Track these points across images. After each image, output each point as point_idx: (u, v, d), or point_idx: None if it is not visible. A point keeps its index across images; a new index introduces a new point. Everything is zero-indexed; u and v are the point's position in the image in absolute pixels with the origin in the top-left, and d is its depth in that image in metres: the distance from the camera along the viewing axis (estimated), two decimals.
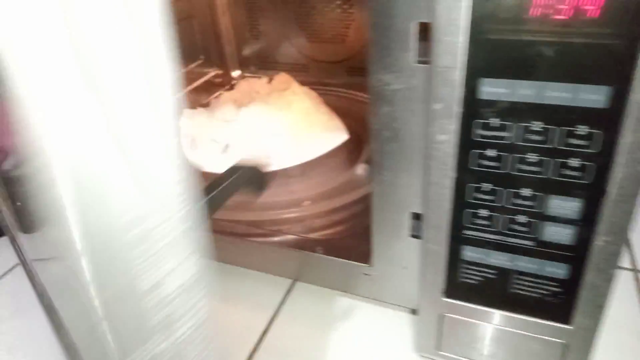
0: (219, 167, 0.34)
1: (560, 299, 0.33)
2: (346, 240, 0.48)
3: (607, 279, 0.32)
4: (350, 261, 0.46)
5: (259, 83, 0.66)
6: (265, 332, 0.48)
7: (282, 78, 0.65)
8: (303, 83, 0.64)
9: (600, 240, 0.30)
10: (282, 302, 0.51)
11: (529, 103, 0.28)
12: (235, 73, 0.81)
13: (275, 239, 0.50)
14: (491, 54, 0.28)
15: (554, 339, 0.35)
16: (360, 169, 0.54)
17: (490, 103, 0.29)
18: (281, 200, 0.51)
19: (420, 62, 0.31)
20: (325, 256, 0.47)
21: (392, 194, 0.38)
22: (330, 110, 0.59)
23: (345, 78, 0.71)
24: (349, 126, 0.58)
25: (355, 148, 0.58)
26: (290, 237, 0.50)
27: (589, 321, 0.33)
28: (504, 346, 0.37)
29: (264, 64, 0.77)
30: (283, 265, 0.51)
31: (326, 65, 0.72)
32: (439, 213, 0.34)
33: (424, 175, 0.34)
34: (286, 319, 0.49)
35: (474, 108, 0.30)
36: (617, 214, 0.29)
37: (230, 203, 0.32)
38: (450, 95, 0.30)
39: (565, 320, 0.34)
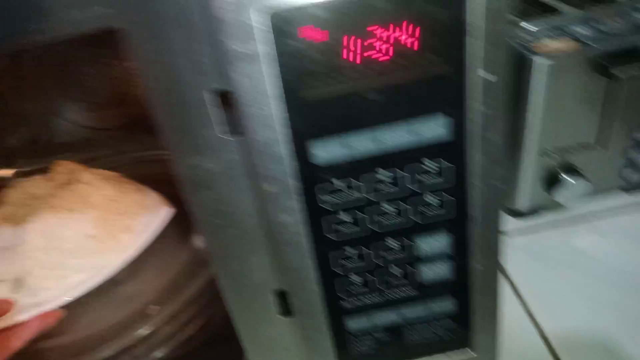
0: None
1: (457, 330, 0.31)
2: (214, 337, 0.41)
3: (493, 297, 0.30)
4: None
5: (34, 183, 0.49)
6: None
7: (63, 168, 0.49)
8: (93, 163, 0.50)
9: (478, 266, 0.28)
10: None
11: (371, 154, 0.24)
12: None
13: None
14: (315, 115, 0.23)
15: None
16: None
17: (329, 166, 0.24)
18: (116, 317, 0.41)
19: (233, 133, 0.25)
20: None
21: (245, 279, 0.31)
22: (140, 185, 0.48)
23: (147, 137, 0.59)
24: (172, 194, 0.47)
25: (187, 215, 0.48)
26: None
27: (489, 340, 0.32)
28: None
29: (34, 153, 0.60)
30: None
31: (117, 132, 0.59)
32: (306, 290, 0.29)
33: (280, 259, 0.28)
34: None
35: (312, 177, 0.25)
36: (487, 237, 0.27)
37: None
38: (282, 171, 0.24)
39: (467, 346, 0.32)
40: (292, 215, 0.25)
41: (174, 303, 0.41)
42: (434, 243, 0.27)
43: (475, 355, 0.32)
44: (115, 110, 0.59)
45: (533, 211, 0.56)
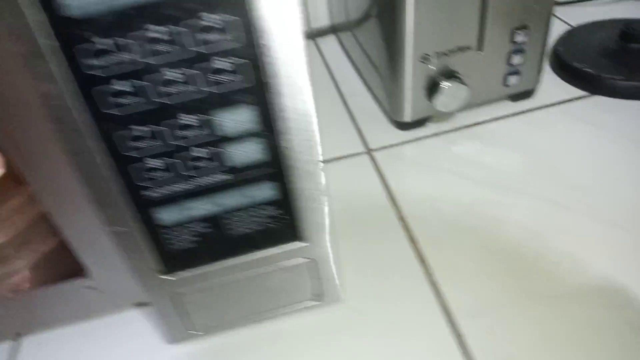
0: None
1: (283, 219, 0.29)
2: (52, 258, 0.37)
3: (315, 182, 0.28)
4: (67, 281, 0.35)
5: None
6: None
7: None
8: None
9: (289, 145, 0.26)
10: None
11: (135, 3, 0.21)
12: None
13: None
14: None
15: (297, 262, 0.31)
16: None
17: (87, 20, 0.21)
18: None
19: None
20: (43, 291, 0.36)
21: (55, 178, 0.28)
22: None
23: None
24: None
25: None
26: None
27: (320, 229, 0.30)
28: (257, 291, 0.33)
29: None
30: None
31: None
32: (101, 179, 0.25)
33: (62, 142, 0.25)
34: None
35: (67, 33, 0.21)
36: (294, 109, 0.25)
37: None
38: (23, 24, 0.20)
39: (298, 238, 0.30)
40: (53, 84, 0.22)
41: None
42: (236, 118, 0.24)
43: (305, 244, 0.30)
44: None
45: (420, 123, 0.55)
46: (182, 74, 0.23)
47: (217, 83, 0.23)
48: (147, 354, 0.37)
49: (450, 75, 0.50)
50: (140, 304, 0.38)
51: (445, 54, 0.49)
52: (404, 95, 0.52)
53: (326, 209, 0.29)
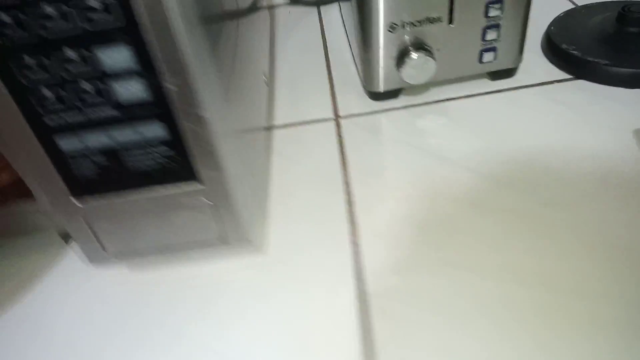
0: None
1: (177, 159, 0.31)
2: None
3: (203, 126, 0.30)
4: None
5: None
6: None
7: None
8: None
9: (170, 86, 0.28)
10: None
11: None
12: None
13: None
14: None
15: (197, 204, 0.33)
16: None
17: None
18: None
19: None
20: None
21: None
22: None
23: None
24: None
25: None
26: None
27: (216, 173, 0.32)
28: (165, 227, 0.35)
29: None
30: None
31: None
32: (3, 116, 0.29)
33: None
34: None
35: None
36: (171, 51, 0.27)
37: None
38: None
39: (195, 180, 0.32)
40: None
41: None
42: (114, 56, 0.27)
43: (203, 187, 0.32)
44: None
45: (393, 94, 0.55)
46: (58, 9, 0.25)
47: (90, 20, 0.25)
48: (75, 277, 0.41)
49: (420, 47, 0.50)
50: (65, 236, 0.42)
51: (415, 25, 0.49)
52: (375, 65, 0.52)
53: (222, 153, 0.31)
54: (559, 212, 0.40)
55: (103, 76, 0.27)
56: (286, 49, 0.68)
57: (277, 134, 0.54)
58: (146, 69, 0.27)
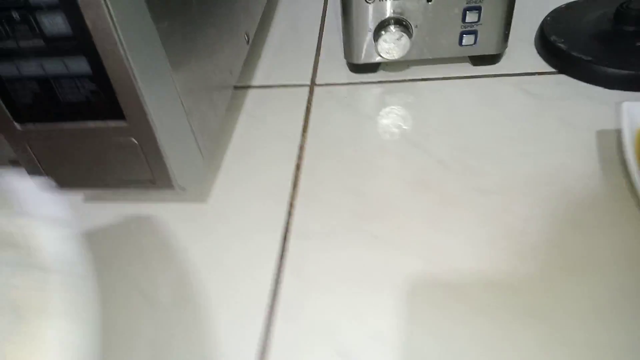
0: None
1: (101, 95, 0.33)
2: None
3: (123, 64, 0.31)
4: None
5: None
6: None
7: None
8: None
9: (89, 23, 0.29)
10: None
11: None
12: None
13: None
14: None
15: (124, 143, 0.35)
16: None
17: None
18: None
19: None
20: None
21: None
22: None
23: None
24: None
25: None
26: None
27: (138, 112, 0.33)
28: (98, 163, 0.37)
29: None
30: None
31: None
32: None
33: None
34: None
35: None
36: None
37: None
38: None
39: (120, 117, 0.34)
40: None
41: None
42: None
43: (126, 124, 0.34)
44: None
45: (372, 68, 0.55)
46: None
47: None
48: None
49: (398, 21, 0.50)
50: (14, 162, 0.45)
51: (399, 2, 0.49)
52: (353, 36, 0.52)
53: (144, 93, 0.32)
54: (494, 201, 0.40)
55: (31, 8, 0.29)
56: (286, 13, 0.69)
57: (252, 94, 0.55)
58: (67, 2, 0.29)
